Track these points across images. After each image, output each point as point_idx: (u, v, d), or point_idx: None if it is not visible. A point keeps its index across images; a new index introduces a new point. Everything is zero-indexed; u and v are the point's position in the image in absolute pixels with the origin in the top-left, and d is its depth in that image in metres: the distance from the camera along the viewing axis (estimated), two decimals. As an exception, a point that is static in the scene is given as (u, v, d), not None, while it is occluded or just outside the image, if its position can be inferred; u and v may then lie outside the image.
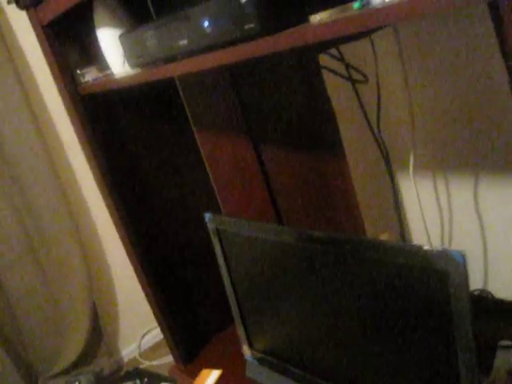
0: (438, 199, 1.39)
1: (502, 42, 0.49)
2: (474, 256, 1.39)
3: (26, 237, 1.87)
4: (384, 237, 1.45)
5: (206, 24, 0.79)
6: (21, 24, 1.77)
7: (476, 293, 1.27)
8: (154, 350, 2.20)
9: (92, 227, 2.06)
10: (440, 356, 0.84)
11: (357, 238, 0.89)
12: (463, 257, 0.74)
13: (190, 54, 0.87)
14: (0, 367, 1.83)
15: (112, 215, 1.35)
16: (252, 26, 0.72)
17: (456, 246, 1.43)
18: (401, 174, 1.46)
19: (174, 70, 0.91)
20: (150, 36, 0.93)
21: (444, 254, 0.76)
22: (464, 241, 1.40)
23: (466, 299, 0.76)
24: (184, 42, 0.86)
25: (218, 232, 1.19)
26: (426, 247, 0.78)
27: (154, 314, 1.43)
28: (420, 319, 0.84)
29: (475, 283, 1.41)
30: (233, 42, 0.77)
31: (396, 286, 0.85)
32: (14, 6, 1.24)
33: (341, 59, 1.29)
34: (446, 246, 1.45)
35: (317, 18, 0.70)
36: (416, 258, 0.80)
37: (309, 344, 1.10)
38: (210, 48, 0.82)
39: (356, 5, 0.64)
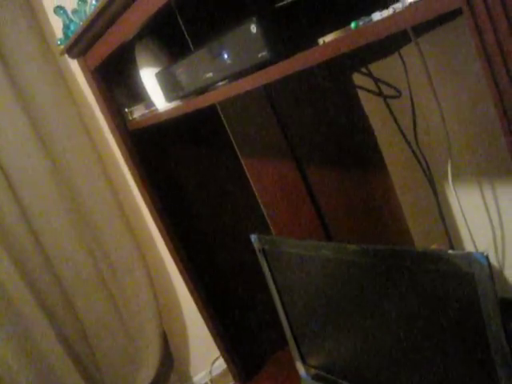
0: (480, 206, 1.38)
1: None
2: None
3: (96, 269, 1.95)
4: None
5: (226, 56, 0.86)
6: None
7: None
8: (224, 375, 2.21)
9: (158, 257, 2.12)
10: (478, 357, 0.84)
11: (396, 249, 0.91)
12: (486, 258, 0.75)
13: (216, 84, 0.94)
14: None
15: (166, 243, 1.43)
16: (264, 53, 0.78)
17: (510, 253, 1.41)
18: (442, 185, 1.46)
19: (205, 100, 0.98)
20: (180, 72, 1.00)
21: (468, 257, 0.77)
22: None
23: (493, 299, 0.76)
24: (210, 74, 0.93)
25: (265, 252, 1.23)
26: (450, 251, 0.80)
27: (212, 336, 1.49)
28: (455, 322, 0.85)
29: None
30: (250, 70, 0.83)
31: (431, 292, 0.87)
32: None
33: (372, 76, 1.33)
34: (500, 253, 1.43)
35: (322, 40, 0.74)
36: (443, 262, 0.82)
37: (360, 358, 1.11)
38: (233, 77, 0.88)
39: (353, 25, 0.68)
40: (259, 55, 0.79)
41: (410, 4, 0.58)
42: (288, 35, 0.78)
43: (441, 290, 0.84)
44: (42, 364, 1.86)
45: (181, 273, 1.46)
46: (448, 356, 0.90)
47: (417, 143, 1.37)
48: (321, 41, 0.75)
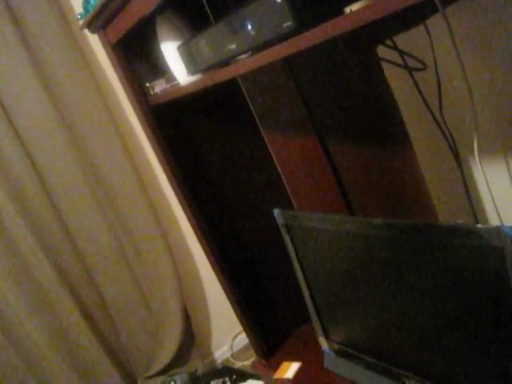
0: (507, 181, 1.35)
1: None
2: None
3: (118, 245, 1.98)
4: (458, 224, 1.43)
5: (250, 27, 0.84)
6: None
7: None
8: (245, 350, 2.23)
9: (179, 232, 2.13)
10: (506, 332, 0.83)
11: (422, 223, 0.89)
12: (516, 232, 0.74)
13: (240, 56, 0.93)
14: (103, 369, 1.94)
15: (189, 219, 1.43)
16: (289, 23, 0.76)
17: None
18: (468, 159, 1.44)
19: (228, 73, 0.97)
20: (203, 44, 0.98)
21: (497, 231, 0.76)
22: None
23: (523, 274, 0.75)
24: (233, 46, 0.91)
25: (288, 227, 1.23)
26: (479, 225, 0.78)
27: (235, 310, 1.49)
28: (483, 297, 0.84)
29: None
30: (275, 41, 0.81)
31: (458, 267, 0.85)
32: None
33: (396, 49, 1.30)
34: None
35: (349, 9, 0.72)
36: (472, 236, 0.80)
37: (383, 333, 1.11)
38: (257, 48, 0.87)
39: (381, -8, 0.66)
40: (284, 25, 0.77)
41: (443, -32, 0.56)
42: (313, 4, 0.76)
43: (469, 265, 0.83)
44: (67, 339, 1.89)
45: (203, 248, 1.46)
46: (475, 332, 0.89)
47: (442, 117, 1.34)
48: (347, 9, 0.73)
